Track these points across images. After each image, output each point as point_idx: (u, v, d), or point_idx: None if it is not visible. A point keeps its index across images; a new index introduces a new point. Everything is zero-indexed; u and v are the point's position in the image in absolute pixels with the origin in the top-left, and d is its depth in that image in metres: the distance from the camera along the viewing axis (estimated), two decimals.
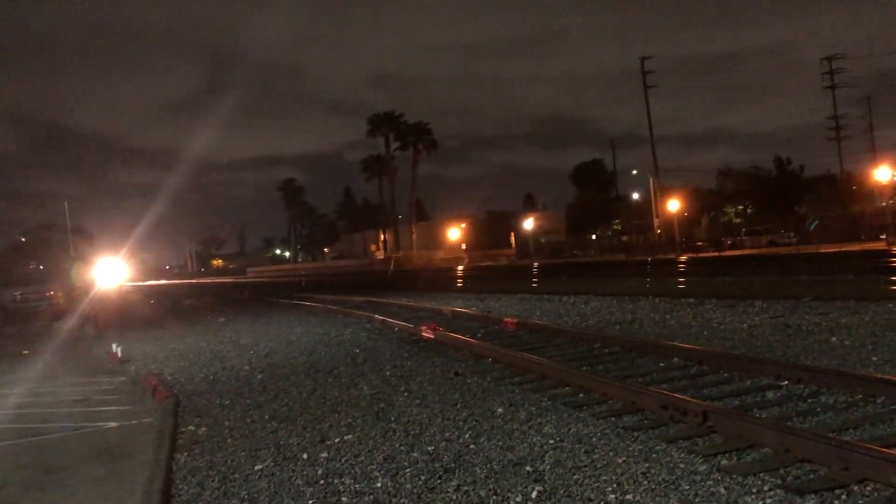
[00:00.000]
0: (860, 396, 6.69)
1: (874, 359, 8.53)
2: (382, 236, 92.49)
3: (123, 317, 25.10)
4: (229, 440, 7.17)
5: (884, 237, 43.79)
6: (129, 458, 6.65)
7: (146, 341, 16.97)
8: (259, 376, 10.88)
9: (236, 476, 5.96)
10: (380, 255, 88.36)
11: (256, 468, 6.11)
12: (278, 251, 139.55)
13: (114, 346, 14.40)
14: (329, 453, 6.34)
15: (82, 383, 11.45)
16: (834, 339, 10.08)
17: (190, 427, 7.85)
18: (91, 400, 9.91)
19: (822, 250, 39.32)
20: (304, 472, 5.86)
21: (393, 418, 7.42)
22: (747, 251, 50.97)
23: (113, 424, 8.12)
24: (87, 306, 26.14)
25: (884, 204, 54.17)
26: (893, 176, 54.82)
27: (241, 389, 9.91)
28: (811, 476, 4.85)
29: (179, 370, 12.14)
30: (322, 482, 5.60)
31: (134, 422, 8.18)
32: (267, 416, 8.07)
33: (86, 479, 6.12)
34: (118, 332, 19.45)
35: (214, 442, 7.15)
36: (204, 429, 7.73)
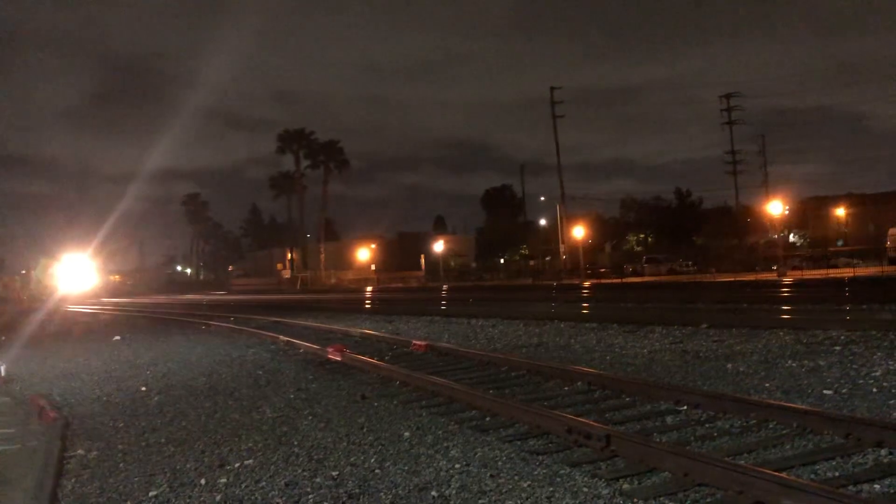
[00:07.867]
0: (754, 421, 6.93)
1: (767, 385, 8.88)
2: (290, 255, 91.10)
3: (9, 332, 23.76)
4: (122, 465, 6.82)
5: (775, 268, 46.04)
6: (9, 485, 6.23)
7: (33, 359, 16.08)
8: (156, 398, 10.45)
9: (128, 503, 5.66)
10: (287, 274, 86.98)
11: (151, 494, 5.82)
12: (179, 268, 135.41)
13: None
14: (228, 479, 6.10)
15: None
16: (729, 365, 10.45)
17: (79, 451, 7.43)
18: None
19: (719, 279, 41.03)
20: (202, 499, 5.62)
21: (296, 442, 7.23)
22: (648, 278, 52.71)
23: None
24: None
25: (775, 236, 57.07)
26: (785, 210, 57.93)
27: (137, 411, 9.48)
28: (709, 499, 4.98)
29: (70, 390, 11.53)
30: None
31: (17, 446, 7.68)
32: (163, 440, 7.73)
33: None
34: (1, 348, 18.36)
35: (106, 467, 6.78)
36: (95, 453, 7.34)
